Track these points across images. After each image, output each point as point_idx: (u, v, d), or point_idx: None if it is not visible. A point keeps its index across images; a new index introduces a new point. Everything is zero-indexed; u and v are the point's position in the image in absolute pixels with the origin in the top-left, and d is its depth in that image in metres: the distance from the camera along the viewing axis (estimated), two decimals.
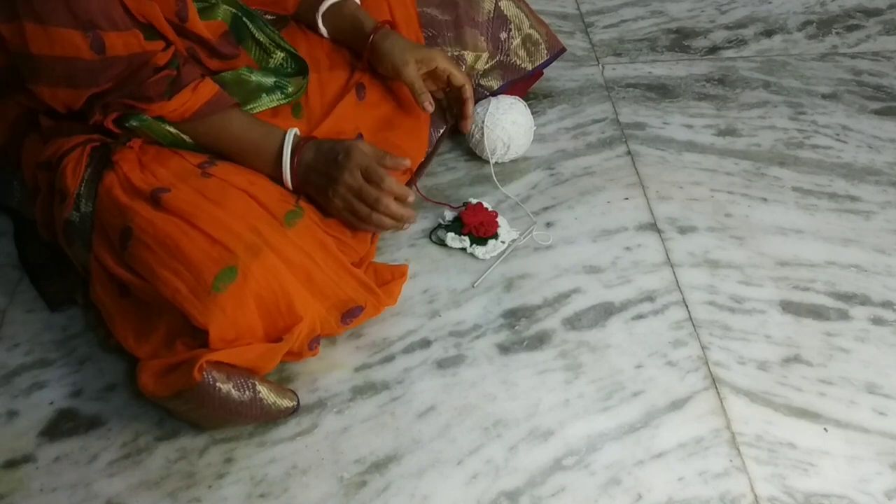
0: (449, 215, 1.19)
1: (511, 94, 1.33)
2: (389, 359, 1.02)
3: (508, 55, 1.33)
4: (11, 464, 0.92)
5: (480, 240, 1.15)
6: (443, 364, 1.02)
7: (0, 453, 0.93)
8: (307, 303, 0.94)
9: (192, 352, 0.87)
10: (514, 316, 1.07)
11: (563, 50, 1.40)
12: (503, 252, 1.15)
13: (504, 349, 1.03)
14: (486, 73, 1.32)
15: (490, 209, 1.19)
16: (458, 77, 1.20)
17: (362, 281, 1.00)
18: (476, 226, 1.16)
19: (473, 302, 1.09)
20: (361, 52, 1.20)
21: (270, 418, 0.94)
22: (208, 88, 0.99)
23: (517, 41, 1.33)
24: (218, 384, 0.86)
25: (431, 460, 0.92)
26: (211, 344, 0.87)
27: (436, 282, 1.11)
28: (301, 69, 1.14)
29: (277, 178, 1.03)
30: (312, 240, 0.97)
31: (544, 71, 1.43)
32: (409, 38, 1.22)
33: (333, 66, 1.20)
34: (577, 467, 0.91)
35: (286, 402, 0.94)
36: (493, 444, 0.93)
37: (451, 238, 1.15)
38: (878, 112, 1.44)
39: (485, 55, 1.30)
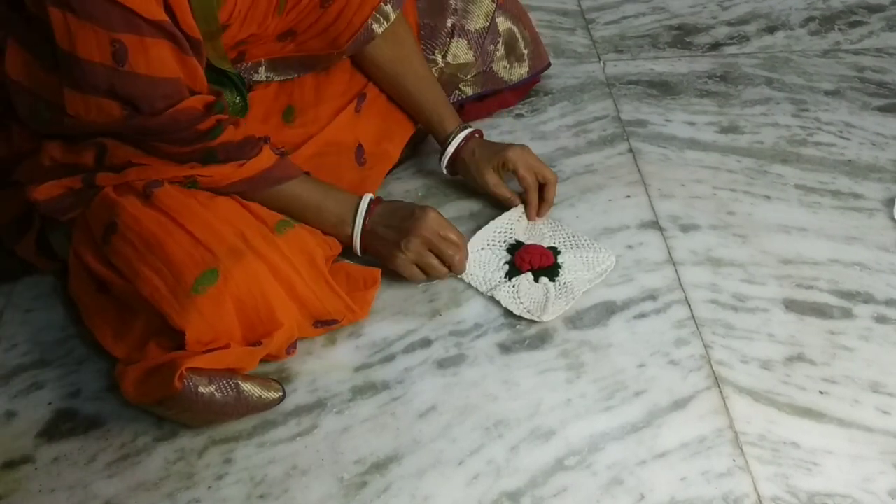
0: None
1: (493, 104, 1.36)
2: (390, 358, 1.02)
3: (491, 66, 1.32)
4: (10, 464, 0.92)
5: (546, 271, 1.09)
6: (443, 364, 1.01)
7: (0, 453, 0.93)
8: (288, 309, 0.95)
9: (169, 355, 0.88)
10: (514, 315, 1.06)
11: (548, 66, 1.41)
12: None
13: (505, 348, 1.03)
14: (465, 80, 1.31)
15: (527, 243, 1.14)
16: (548, 175, 1.17)
17: (341, 297, 1.01)
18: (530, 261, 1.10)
19: (474, 301, 1.08)
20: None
21: (259, 411, 0.95)
22: (266, 156, 0.99)
23: (501, 52, 1.32)
24: (200, 389, 0.87)
25: (432, 461, 0.92)
26: (187, 346, 0.87)
27: (436, 281, 1.11)
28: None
29: (336, 235, 1.05)
30: (301, 250, 0.97)
31: (540, 78, 1.43)
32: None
33: (331, 67, 1.19)
34: (579, 467, 0.91)
35: (272, 394, 0.95)
36: (495, 444, 0.93)
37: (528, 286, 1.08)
38: (881, 109, 1.44)
39: (470, 65, 1.29)
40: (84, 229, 0.96)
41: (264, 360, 0.99)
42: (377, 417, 0.96)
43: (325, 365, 1.01)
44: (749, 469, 0.90)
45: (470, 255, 1.09)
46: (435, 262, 1.05)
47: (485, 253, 1.12)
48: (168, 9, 0.86)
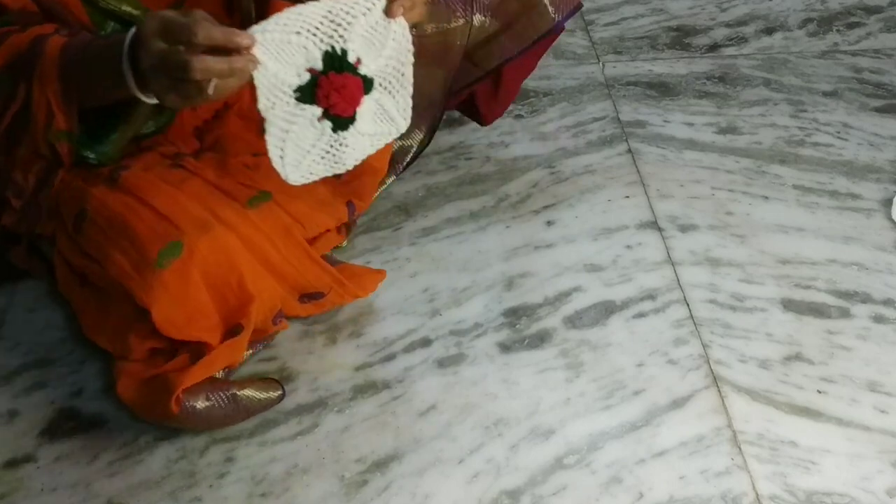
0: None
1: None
2: (390, 358, 1.02)
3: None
4: (12, 463, 0.92)
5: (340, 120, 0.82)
6: (443, 363, 1.02)
7: (1, 453, 0.93)
8: (261, 280, 0.91)
9: (161, 369, 0.87)
10: (514, 315, 1.07)
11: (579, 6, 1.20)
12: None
13: (505, 348, 1.03)
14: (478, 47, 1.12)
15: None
16: None
17: (326, 269, 0.98)
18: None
19: (474, 301, 1.09)
20: None
21: (261, 412, 0.95)
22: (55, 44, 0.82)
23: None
24: (197, 406, 0.87)
25: (432, 459, 0.92)
26: (156, 325, 0.85)
27: (436, 280, 1.11)
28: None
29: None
30: (276, 223, 0.93)
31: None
32: None
33: None
34: (579, 466, 0.91)
35: (271, 394, 0.96)
36: (494, 443, 0.93)
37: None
38: (878, 109, 1.44)
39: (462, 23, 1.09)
40: (62, 225, 0.94)
41: (264, 360, 0.99)
42: (378, 416, 0.96)
43: (325, 364, 1.01)
44: (747, 468, 0.91)
45: (271, 35, 0.76)
46: (183, 88, 0.74)
47: (296, 44, 0.77)
48: None
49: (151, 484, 0.90)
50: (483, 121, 1.28)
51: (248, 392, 0.93)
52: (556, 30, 1.18)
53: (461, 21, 1.11)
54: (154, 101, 0.78)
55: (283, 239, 0.93)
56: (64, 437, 0.95)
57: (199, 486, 0.90)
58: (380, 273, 1.07)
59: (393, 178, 1.20)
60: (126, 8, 0.88)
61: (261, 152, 0.90)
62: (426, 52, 1.08)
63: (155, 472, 0.91)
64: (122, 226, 0.86)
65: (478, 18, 1.12)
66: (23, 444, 0.94)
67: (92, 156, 0.90)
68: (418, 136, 1.17)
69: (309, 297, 0.99)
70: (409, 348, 1.03)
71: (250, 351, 1.00)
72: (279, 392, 0.96)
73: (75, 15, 0.88)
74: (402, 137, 1.01)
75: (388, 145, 0.96)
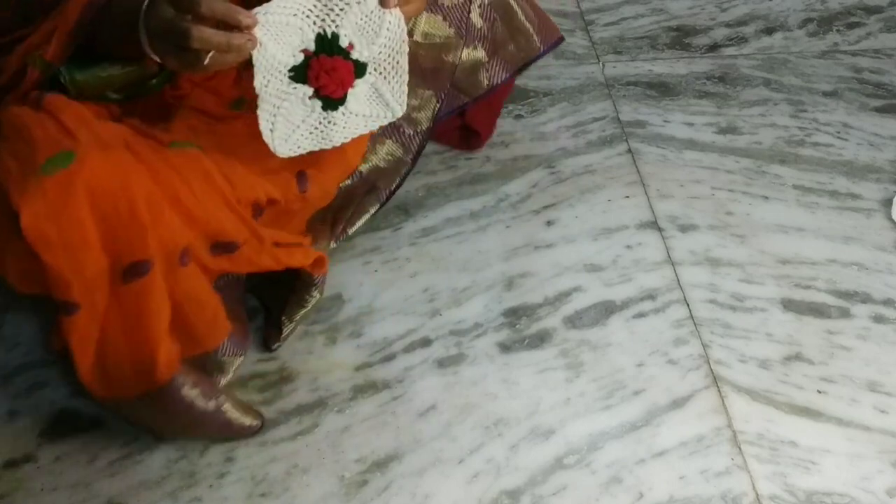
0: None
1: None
2: (390, 358, 1.02)
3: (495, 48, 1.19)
4: (12, 463, 0.92)
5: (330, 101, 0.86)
6: (443, 363, 1.02)
7: (1, 453, 0.93)
8: (159, 211, 0.81)
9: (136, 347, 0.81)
10: (514, 315, 1.07)
11: (560, 39, 1.28)
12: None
13: (505, 348, 1.03)
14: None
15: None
16: None
17: (244, 218, 0.89)
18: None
19: (474, 301, 1.09)
20: None
21: (232, 435, 0.93)
22: None
23: (500, 28, 1.19)
24: (185, 390, 0.84)
25: (432, 459, 0.92)
26: (23, 231, 0.75)
27: (436, 280, 1.11)
28: None
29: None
30: (195, 167, 0.86)
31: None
32: None
33: None
34: (579, 466, 0.91)
35: (250, 420, 0.93)
36: (494, 443, 0.93)
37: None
38: (878, 109, 1.44)
39: (451, 43, 1.13)
40: None
41: (264, 360, 0.99)
42: (378, 416, 0.96)
43: (325, 364, 1.01)
44: (747, 468, 0.91)
45: (273, 17, 0.79)
46: (183, 56, 0.77)
47: (293, 25, 0.81)
48: None
49: (151, 484, 0.90)
50: (473, 144, 1.31)
51: (231, 406, 0.91)
52: (539, 58, 1.25)
53: (454, 36, 1.14)
54: (158, 59, 0.80)
55: (199, 181, 0.85)
56: (64, 437, 0.95)
57: (199, 486, 0.90)
58: (317, 253, 0.99)
59: (377, 206, 1.16)
60: None
61: (214, 115, 0.95)
62: (419, 67, 1.12)
63: (155, 472, 0.91)
64: (22, 130, 0.80)
65: (467, 48, 1.17)
66: (23, 444, 0.94)
67: (66, 77, 0.87)
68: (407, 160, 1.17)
69: (222, 247, 0.90)
70: (409, 348, 1.03)
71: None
72: (258, 422, 0.94)
73: None
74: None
75: (363, 137, 0.96)
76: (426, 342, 1.04)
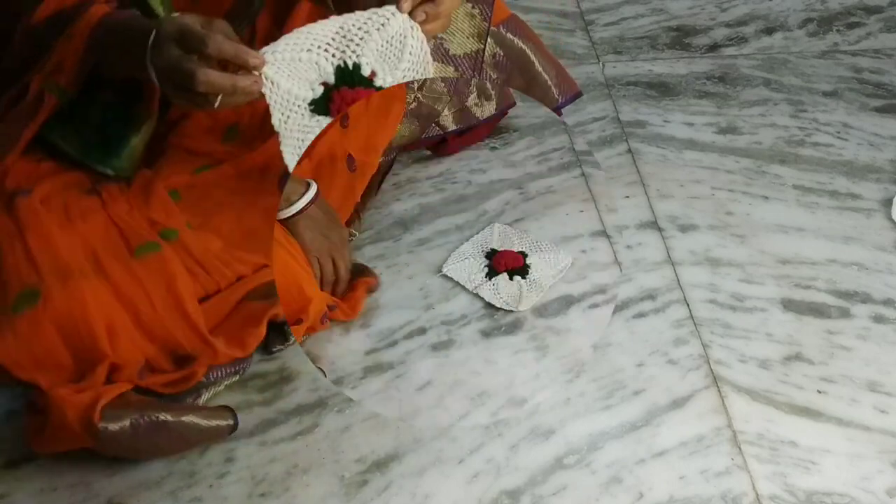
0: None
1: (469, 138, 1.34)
2: (393, 343, 1.05)
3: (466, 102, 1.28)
4: (12, 463, 0.92)
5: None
6: (436, 347, 1.05)
7: (1, 453, 0.93)
8: (123, 335, 0.88)
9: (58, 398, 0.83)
10: (493, 307, 1.09)
11: (578, 94, 1.35)
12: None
13: (485, 334, 1.06)
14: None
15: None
16: None
17: (197, 330, 0.91)
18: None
19: (460, 296, 1.11)
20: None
21: (207, 441, 0.91)
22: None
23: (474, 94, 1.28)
24: (110, 427, 0.83)
25: (432, 459, 0.92)
26: (2, 364, 0.84)
27: (429, 280, 1.14)
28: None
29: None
30: (159, 275, 0.89)
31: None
32: None
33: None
34: (579, 466, 0.91)
35: (220, 422, 0.91)
36: (494, 442, 0.93)
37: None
38: (878, 109, 1.44)
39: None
40: None
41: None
42: (378, 416, 0.96)
43: (340, 350, 1.03)
44: (747, 468, 0.91)
45: (281, 55, 0.82)
46: (193, 97, 0.80)
47: (308, 61, 0.84)
48: None
49: (151, 484, 0.90)
50: (443, 150, 1.33)
51: (191, 419, 0.89)
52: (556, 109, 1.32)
53: (446, 94, 1.24)
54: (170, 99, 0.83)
55: (161, 291, 0.89)
56: None
57: (199, 486, 0.90)
58: (257, 333, 0.96)
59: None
60: (156, 6, 0.89)
61: (210, 164, 0.98)
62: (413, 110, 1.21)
63: (155, 472, 0.91)
64: None
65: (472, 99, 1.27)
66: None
67: (109, 171, 0.94)
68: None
69: (181, 359, 0.93)
70: (409, 336, 1.06)
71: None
72: (230, 422, 0.91)
73: None
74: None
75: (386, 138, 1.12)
76: (422, 330, 1.06)
